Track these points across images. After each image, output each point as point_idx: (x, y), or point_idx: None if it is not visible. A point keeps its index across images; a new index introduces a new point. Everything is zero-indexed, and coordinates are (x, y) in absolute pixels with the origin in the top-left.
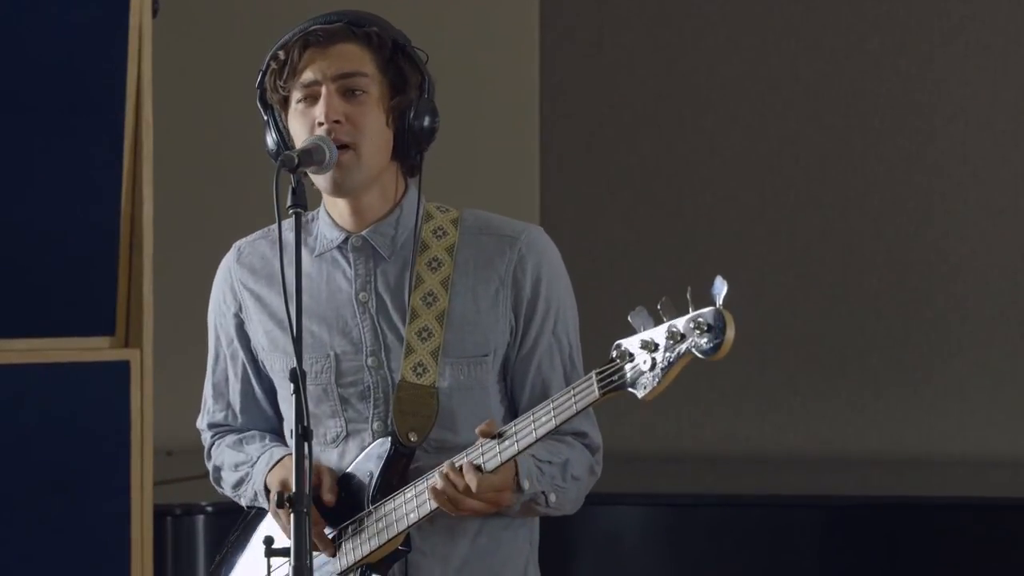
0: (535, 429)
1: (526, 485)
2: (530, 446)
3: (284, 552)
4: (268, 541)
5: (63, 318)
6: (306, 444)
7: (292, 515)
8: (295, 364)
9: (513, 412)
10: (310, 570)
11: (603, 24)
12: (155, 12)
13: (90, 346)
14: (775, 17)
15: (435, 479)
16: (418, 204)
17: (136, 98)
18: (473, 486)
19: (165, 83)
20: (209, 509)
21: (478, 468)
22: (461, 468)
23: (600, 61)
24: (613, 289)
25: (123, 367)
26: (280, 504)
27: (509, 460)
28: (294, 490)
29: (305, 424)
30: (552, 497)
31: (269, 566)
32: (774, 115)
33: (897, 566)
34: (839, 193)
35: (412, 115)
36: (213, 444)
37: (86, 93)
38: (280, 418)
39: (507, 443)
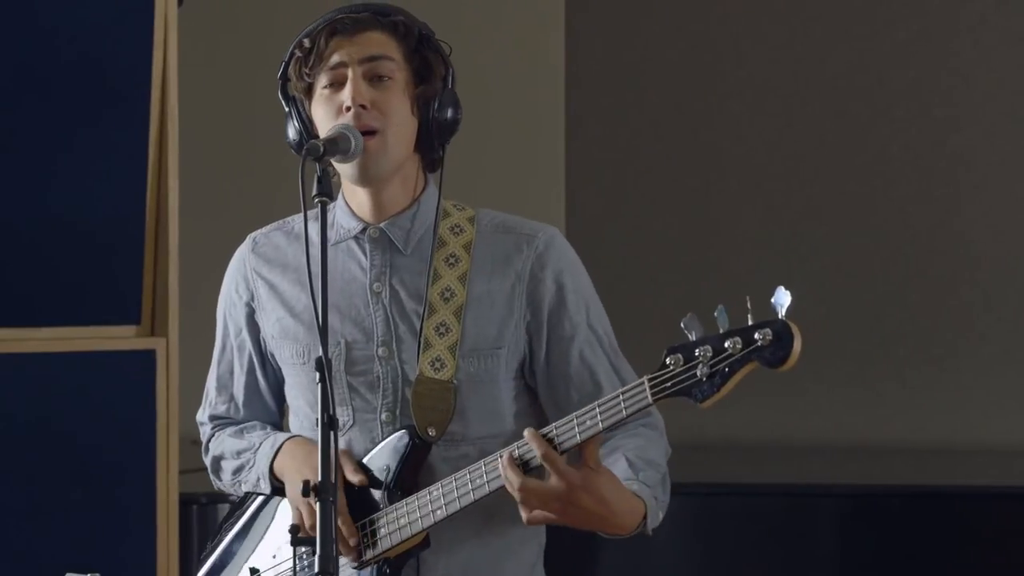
0: (579, 433)
1: (655, 523)
2: (572, 448)
3: (310, 541)
4: (294, 530)
5: (89, 307)
6: (332, 433)
7: (318, 504)
8: (310, 351)
9: (533, 411)
10: (336, 560)
11: (628, 18)
12: (180, 1)
13: (116, 335)
14: (799, 7)
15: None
16: (438, 201)
17: (162, 87)
18: (514, 485)
19: (190, 72)
20: (234, 498)
21: (524, 463)
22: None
23: (625, 56)
24: (640, 285)
25: (149, 356)
26: (305, 494)
27: (559, 458)
28: (320, 479)
29: (331, 413)
30: (660, 516)
31: (295, 555)
32: (799, 105)
33: (921, 555)
34: (864, 182)
35: (436, 106)
36: (212, 436)
37: (112, 82)
38: (282, 414)
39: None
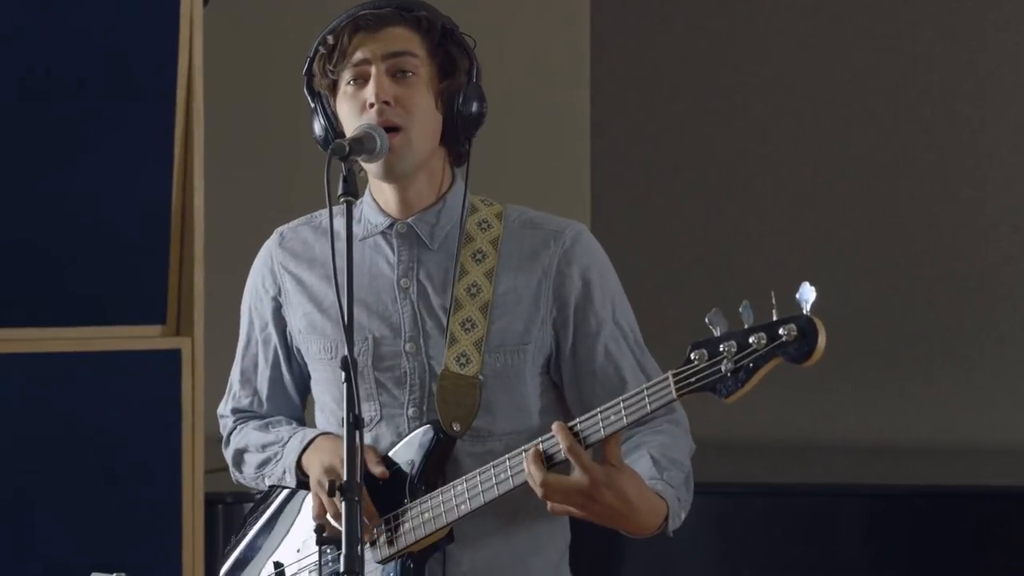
0: (603, 428)
1: (676, 524)
2: (597, 443)
3: (335, 540)
4: (319, 530)
5: (115, 307)
6: (358, 432)
7: (343, 503)
8: (337, 346)
9: (558, 407)
10: (361, 558)
11: (653, 17)
12: (206, 1)
13: (141, 334)
14: (824, 7)
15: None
16: (464, 196)
17: (187, 87)
18: (536, 480)
19: (215, 72)
20: (258, 494)
21: (547, 458)
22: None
23: (650, 54)
24: (665, 283)
25: (174, 355)
26: (331, 493)
27: (583, 458)
28: (345, 478)
29: (356, 412)
30: (682, 516)
31: (321, 554)
32: (825, 104)
33: (947, 555)
34: (890, 182)
35: (461, 100)
36: (235, 429)
37: (137, 83)
38: (305, 408)
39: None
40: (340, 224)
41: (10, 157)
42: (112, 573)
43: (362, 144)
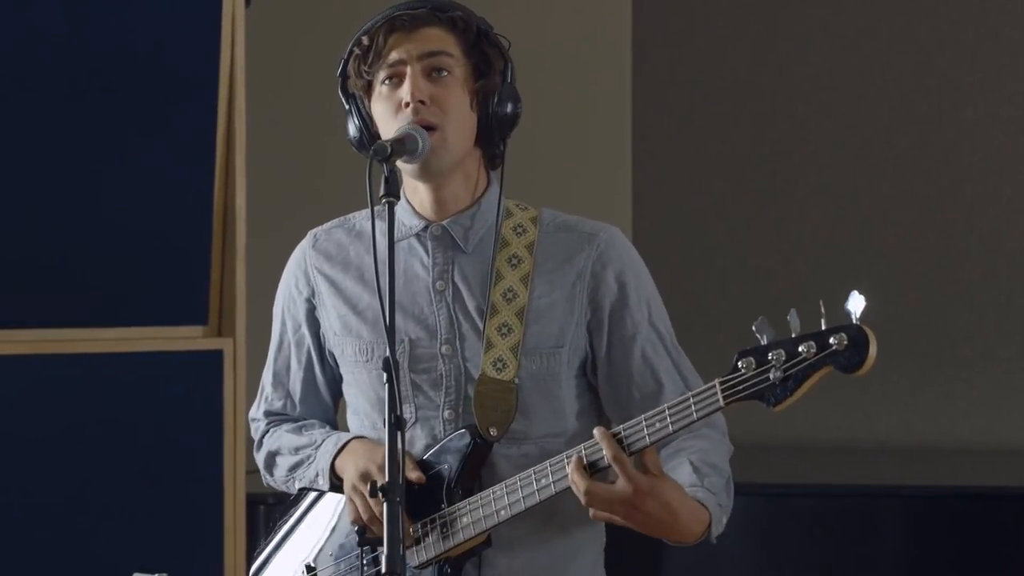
0: (648, 435)
1: (719, 530)
2: (640, 451)
3: (376, 542)
4: (361, 531)
5: (156, 307)
6: (399, 433)
7: (385, 505)
8: (373, 348)
9: (595, 409)
10: (403, 560)
11: (695, 18)
12: (248, 1)
13: (183, 335)
14: (867, 7)
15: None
16: (499, 199)
17: (229, 87)
18: (580, 489)
19: (257, 71)
20: (289, 500)
21: (587, 465)
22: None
23: (692, 55)
24: (708, 285)
25: (216, 356)
26: (372, 494)
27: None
28: (386, 479)
29: (399, 413)
30: (724, 522)
31: (363, 555)
32: (867, 105)
33: (989, 557)
34: (932, 182)
35: (495, 100)
36: (267, 432)
37: (178, 82)
38: (337, 410)
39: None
40: (378, 228)
41: (51, 156)
42: (154, 574)
43: (404, 145)
